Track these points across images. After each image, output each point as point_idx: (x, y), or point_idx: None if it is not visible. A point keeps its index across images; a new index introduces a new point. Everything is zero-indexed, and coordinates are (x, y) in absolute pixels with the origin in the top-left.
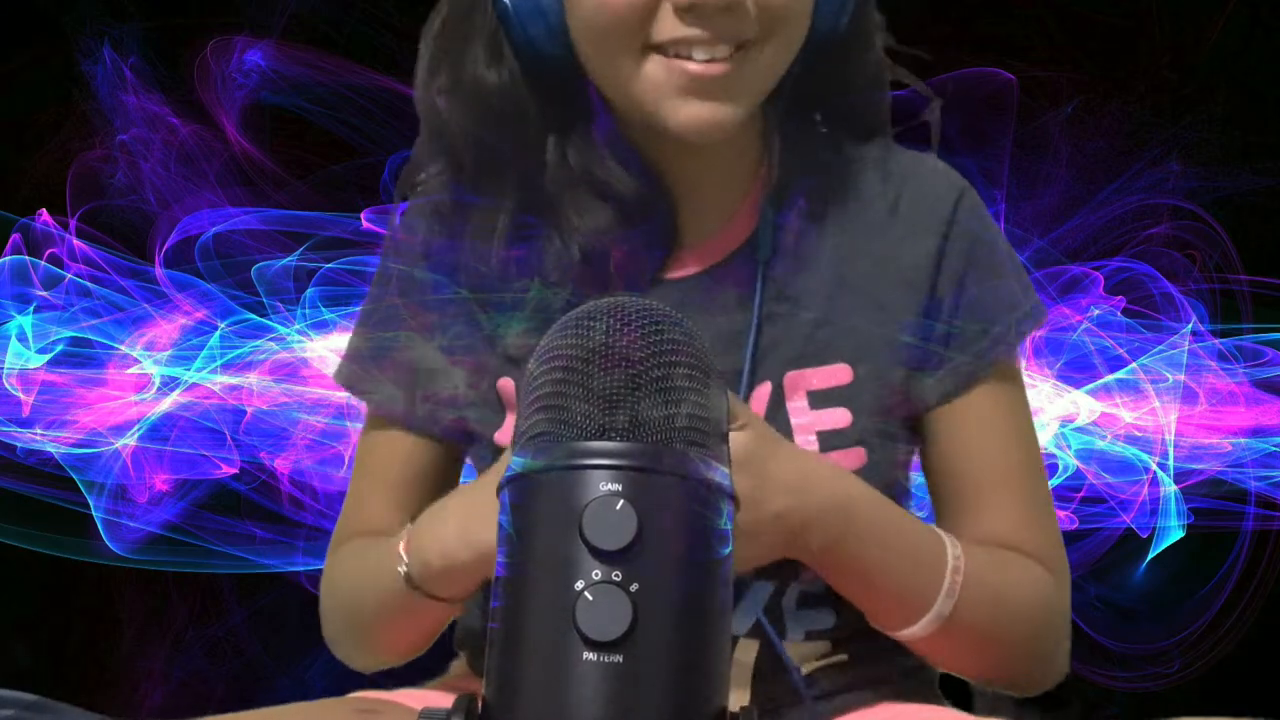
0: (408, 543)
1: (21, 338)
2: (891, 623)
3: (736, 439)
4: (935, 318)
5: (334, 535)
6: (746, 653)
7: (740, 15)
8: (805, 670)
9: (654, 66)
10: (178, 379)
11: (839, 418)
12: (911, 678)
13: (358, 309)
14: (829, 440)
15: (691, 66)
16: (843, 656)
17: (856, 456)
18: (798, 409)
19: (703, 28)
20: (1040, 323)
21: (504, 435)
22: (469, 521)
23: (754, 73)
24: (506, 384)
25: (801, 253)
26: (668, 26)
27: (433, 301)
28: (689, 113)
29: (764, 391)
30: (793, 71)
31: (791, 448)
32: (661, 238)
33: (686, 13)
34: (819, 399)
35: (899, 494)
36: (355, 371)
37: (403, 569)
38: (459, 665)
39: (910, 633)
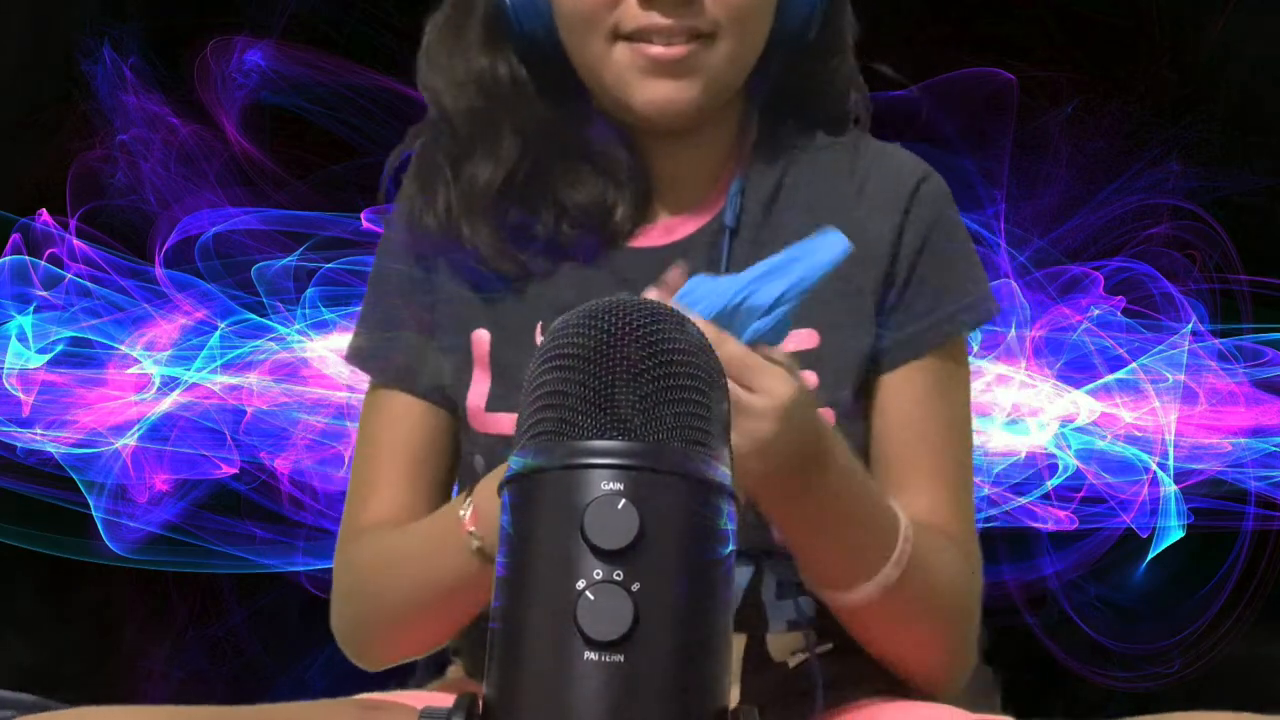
0: (474, 517)
1: (21, 338)
2: (837, 580)
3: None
4: (890, 291)
5: (345, 524)
6: (734, 647)
7: (696, 9)
8: (791, 664)
9: (620, 52)
10: (178, 379)
11: (806, 379)
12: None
13: (361, 301)
14: None
15: (652, 50)
16: (828, 645)
17: (825, 417)
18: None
19: (662, 15)
20: (985, 319)
21: (475, 398)
22: None
23: (711, 61)
24: (480, 336)
25: (769, 227)
26: (630, 16)
27: (424, 289)
28: (651, 91)
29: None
30: (767, 69)
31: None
32: (635, 209)
33: (647, 3)
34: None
35: (863, 457)
36: (361, 348)
37: (475, 544)
38: (455, 670)
39: (851, 597)
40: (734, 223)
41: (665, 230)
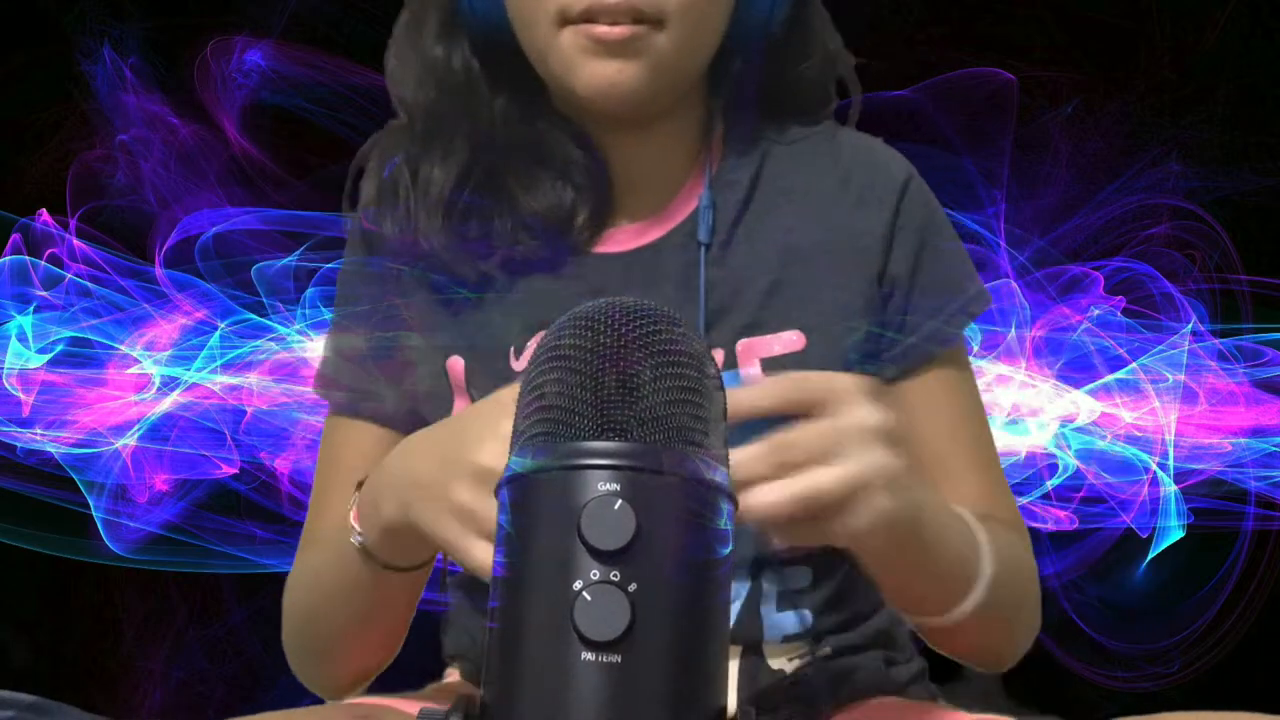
0: (358, 510)
1: (21, 338)
2: (933, 609)
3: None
4: (889, 292)
5: (298, 550)
6: (731, 657)
7: None
8: (789, 670)
9: (566, 35)
10: (178, 379)
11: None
12: (898, 669)
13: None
14: None
15: (596, 29)
16: (825, 650)
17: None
18: (751, 376)
19: None
20: (986, 306)
21: None
22: (409, 492)
23: (657, 45)
24: (455, 363)
25: (747, 227)
26: None
27: (388, 288)
28: (595, 72)
29: (716, 359)
30: (729, 66)
31: None
32: (597, 211)
33: None
34: (772, 366)
35: None
36: (322, 375)
37: (357, 540)
38: (452, 672)
39: (948, 619)
40: (708, 238)
41: (633, 235)
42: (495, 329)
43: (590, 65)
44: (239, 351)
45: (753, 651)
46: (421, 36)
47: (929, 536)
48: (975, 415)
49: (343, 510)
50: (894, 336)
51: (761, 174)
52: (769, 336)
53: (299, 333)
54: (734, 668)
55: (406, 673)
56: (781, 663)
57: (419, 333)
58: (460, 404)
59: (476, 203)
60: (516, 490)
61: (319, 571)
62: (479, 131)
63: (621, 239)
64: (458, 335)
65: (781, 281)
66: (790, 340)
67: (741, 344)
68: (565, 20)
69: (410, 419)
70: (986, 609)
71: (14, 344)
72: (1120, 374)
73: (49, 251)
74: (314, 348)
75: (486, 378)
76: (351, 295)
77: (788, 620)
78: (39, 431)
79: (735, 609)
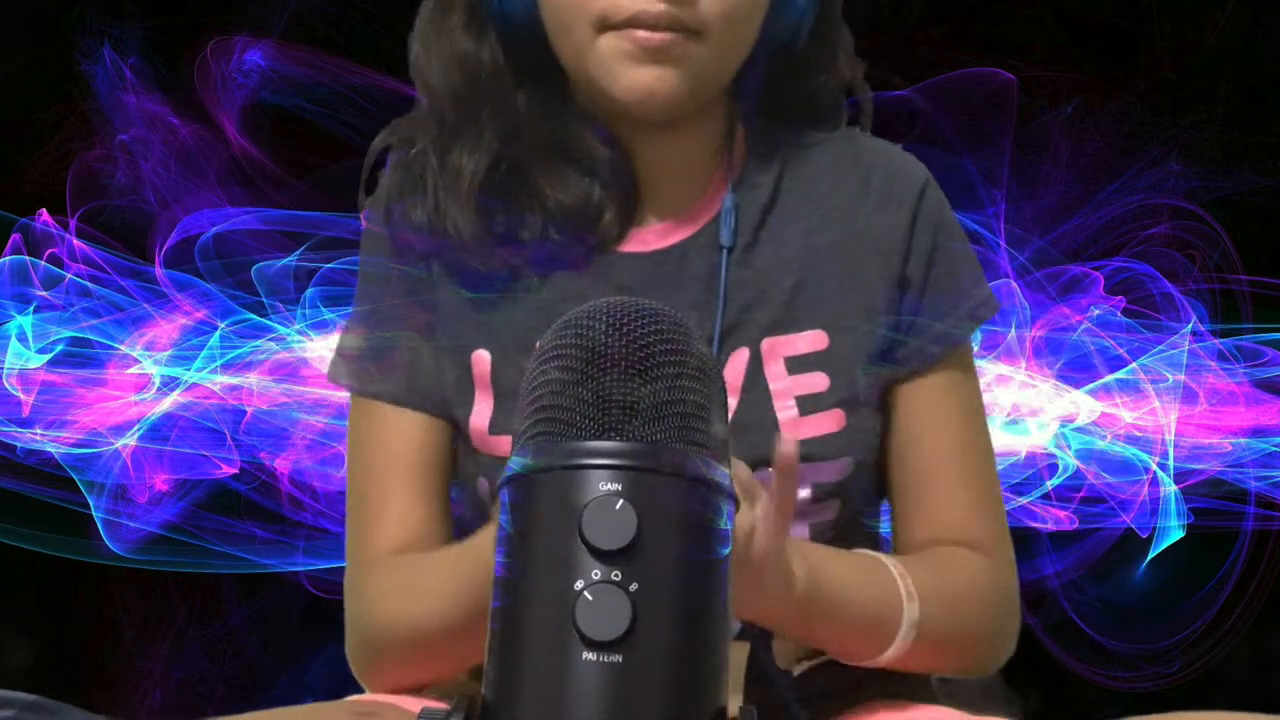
0: None
1: (21, 338)
2: (860, 656)
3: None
4: (904, 293)
5: (357, 550)
6: (737, 656)
7: (684, 1)
8: (796, 672)
9: (606, 40)
10: (178, 379)
11: (817, 382)
12: (903, 672)
13: (348, 308)
14: (807, 404)
15: (638, 34)
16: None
17: (835, 419)
18: (775, 374)
19: (649, 3)
20: (993, 312)
21: (478, 419)
22: None
23: (695, 55)
24: (480, 357)
25: (770, 229)
26: (622, 6)
27: (412, 286)
28: (635, 77)
29: (741, 357)
30: (753, 72)
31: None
32: (622, 210)
33: None
34: (796, 364)
35: (875, 463)
36: (351, 367)
37: None
38: None
39: (879, 661)
40: (731, 240)
41: (658, 235)
42: (521, 325)
43: (631, 71)
44: (239, 351)
45: (760, 651)
46: (449, 26)
47: (825, 608)
48: (971, 423)
49: (408, 514)
50: (900, 339)
51: (783, 177)
52: (793, 335)
53: (299, 333)
54: (741, 667)
55: None
56: (789, 662)
57: (444, 325)
58: (481, 399)
59: (504, 195)
60: (517, 490)
61: (441, 589)
62: (506, 125)
63: (647, 239)
64: (483, 330)
65: (804, 281)
66: (814, 339)
67: (766, 343)
68: (606, 26)
69: (440, 402)
70: (922, 646)
71: (14, 344)
72: (1120, 374)
73: (49, 251)
74: (314, 347)
75: (511, 374)
76: (376, 287)
77: None
78: (39, 431)
79: None
